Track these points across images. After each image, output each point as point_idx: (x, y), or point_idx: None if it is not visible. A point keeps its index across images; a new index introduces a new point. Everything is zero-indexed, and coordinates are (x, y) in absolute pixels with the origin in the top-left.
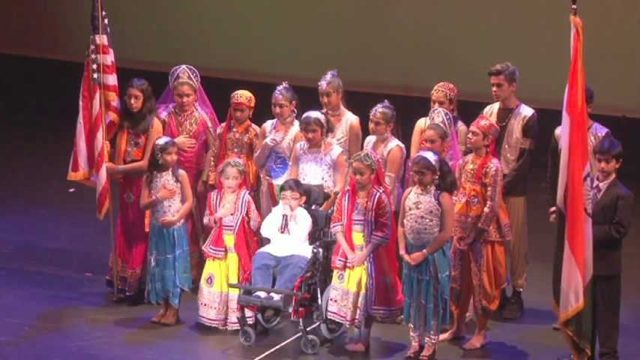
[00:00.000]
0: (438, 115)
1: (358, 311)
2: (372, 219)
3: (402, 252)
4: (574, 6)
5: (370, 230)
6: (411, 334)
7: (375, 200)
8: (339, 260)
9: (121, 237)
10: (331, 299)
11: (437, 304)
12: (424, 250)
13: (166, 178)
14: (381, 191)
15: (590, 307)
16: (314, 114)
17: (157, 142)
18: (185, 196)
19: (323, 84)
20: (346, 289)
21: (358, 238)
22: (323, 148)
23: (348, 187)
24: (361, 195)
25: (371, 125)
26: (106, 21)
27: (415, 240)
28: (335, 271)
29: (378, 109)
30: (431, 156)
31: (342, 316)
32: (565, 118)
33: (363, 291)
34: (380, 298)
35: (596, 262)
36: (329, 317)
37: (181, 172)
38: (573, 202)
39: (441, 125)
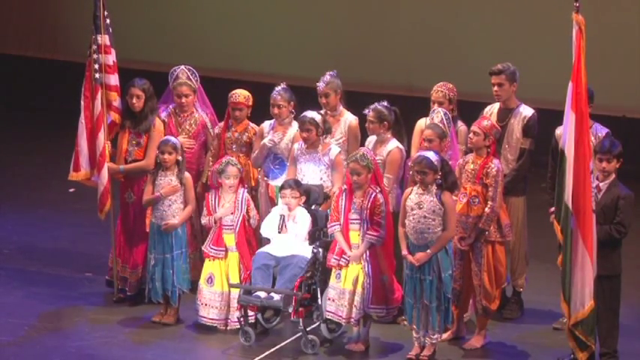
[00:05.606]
0: (437, 115)
1: (354, 309)
2: (367, 217)
3: (404, 252)
4: (576, 3)
5: (366, 229)
6: (414, 335)
7: (371, 199)
8: (335, 259)
9: (121, 237)
10: (329, 299)
11: (440, 304)
12: (428, 251)
13: (170, 178)
14: (377, 191)
15: (597, 305)
16: (310, 114)
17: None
18: (188, 199)
19: (321, 85)
20: (342, 289)
21: (355, 236)
22: (321, 149)
23: (345, 186)
24: (358, 195)
25: (366, 124)
26: (108, 21)
27: (418, 240)
28: (332, 271)
29: (372, 108)
30: (432, 156)
31: (339, 315)
32: (570, 115)
33: (359, 289)
34: (377, 297)
35: (597, 261)
36: (327, 317)
37: (187, 175)
38: (584, 200)
39: (440, 125)
